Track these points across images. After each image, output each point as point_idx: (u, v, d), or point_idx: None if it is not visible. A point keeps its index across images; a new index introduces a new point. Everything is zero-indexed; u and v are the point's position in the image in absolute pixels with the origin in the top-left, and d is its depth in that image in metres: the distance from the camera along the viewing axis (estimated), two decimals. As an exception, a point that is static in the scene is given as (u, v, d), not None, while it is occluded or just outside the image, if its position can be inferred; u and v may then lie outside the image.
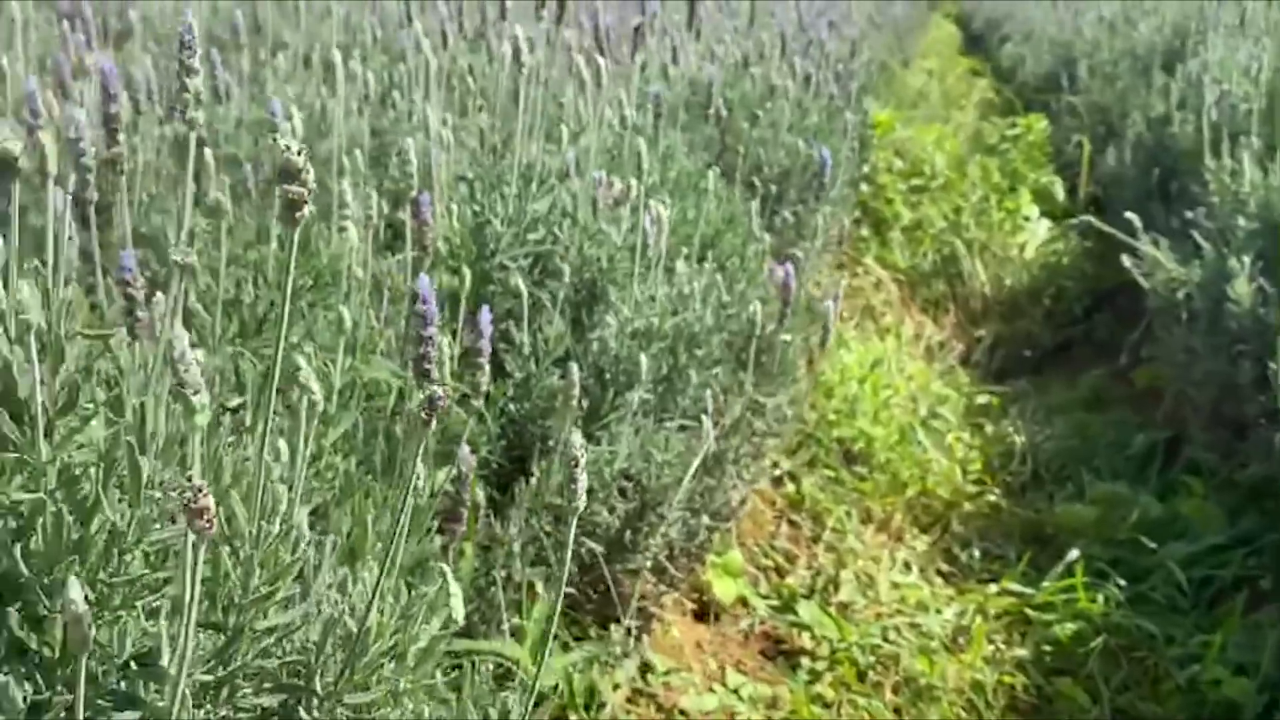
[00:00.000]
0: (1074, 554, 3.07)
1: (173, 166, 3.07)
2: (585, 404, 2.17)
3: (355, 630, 1.06)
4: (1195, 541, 3.06)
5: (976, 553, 3.29)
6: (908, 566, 3.22)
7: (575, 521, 1.09)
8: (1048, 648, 2.84)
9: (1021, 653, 2.82)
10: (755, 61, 4.19)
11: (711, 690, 2.55)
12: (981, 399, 4.22)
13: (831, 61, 4.81)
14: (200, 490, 0.83)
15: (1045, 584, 3.01)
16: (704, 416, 2.25)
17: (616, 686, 2.32)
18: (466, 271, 1.95)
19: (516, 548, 1.90)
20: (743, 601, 2.88)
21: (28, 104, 1.77)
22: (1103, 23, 6.49)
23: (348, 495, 1.50)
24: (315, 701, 1.09)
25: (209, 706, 1.02)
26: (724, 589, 2.79)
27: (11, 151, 1.02)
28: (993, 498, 3.55)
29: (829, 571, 3.07)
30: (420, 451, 1.14)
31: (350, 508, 1.47)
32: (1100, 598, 2.89)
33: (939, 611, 2.98)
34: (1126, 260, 3.65)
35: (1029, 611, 2.96)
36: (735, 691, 2.58)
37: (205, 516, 0.84)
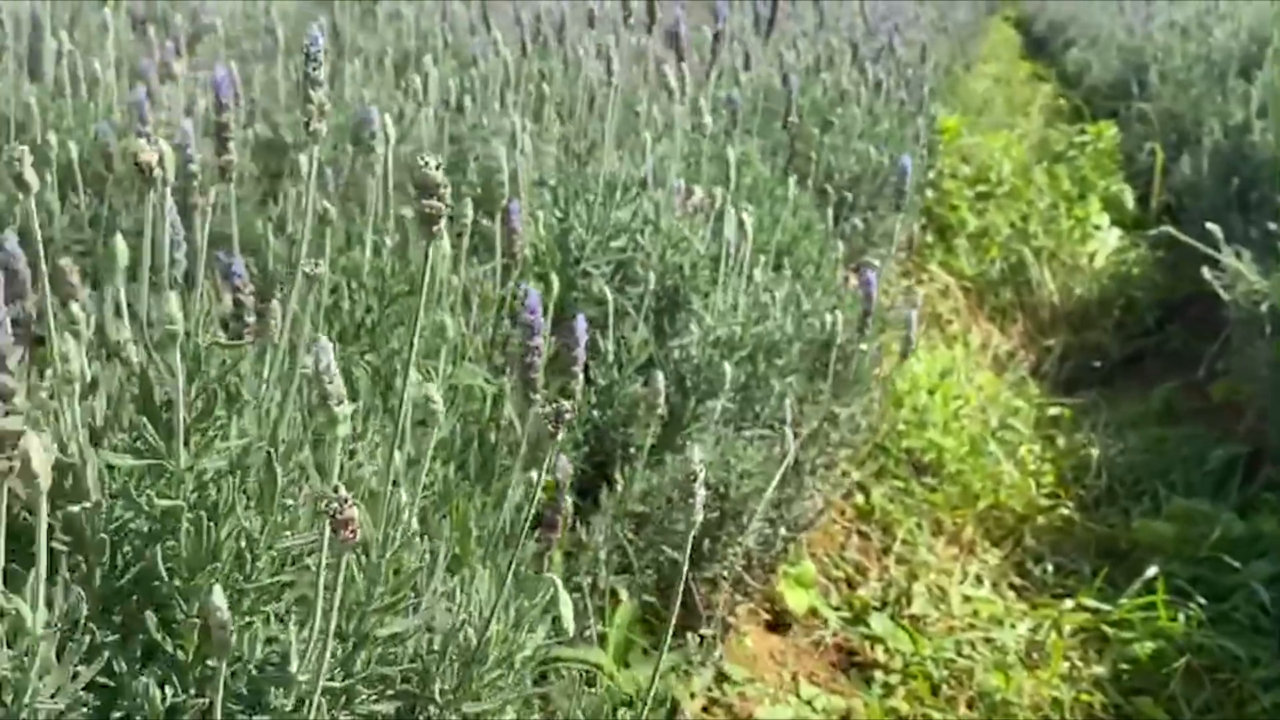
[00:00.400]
0: (1152, 571, 3.01)
1: (255, 170, 3.13)
2: (666, 412, 2.17)
3: (475, 639, 1.07)
4: (1279, 562, 2.99)
5: (1050, 567, 3.24)
6: (980, 580, 3.18)
7: (690, 536, 1.09)
8: (1126, 666, 2.78)
9: (1099, 670, 2.77)
10: (825, 67, 4.17)
11: (785, 701, 2.54)
12: (1052, 410, 4.15)
13: (901, 66, 4.77)
14: (346, 501, 0.84)
15: (1123, 601, 2.96)
16: (786, 426, 2.24)
17: (693, 695, 2.31)
18: (555, 279, 1.96)
19: (602, 555, 1.89)
20: (814, 613, 2.86)
21: (134, 112, 1.82)
22: (1175, 28, 6.37)
23: (446, 501, 1.51)
24: (433, 709, 1.09)
25: (331, 713, 1.03)
26: (796, 600, 2.77)
27: (150, 161, 1.03)
28: (1066, 511, 3.50)
29: (901, 584, 3.04)
30: (520, 461, 1.15)
31: (450, 514, 1.48)
32: (1181, 616, 2.83)
33: (1013, 626, 2.94)
34: (1206, 271, 3.57)
35: (1106, 629, 2.90)
36: (809, 703, 2.56)
37: (350, 526, 0.85)
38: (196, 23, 4.33)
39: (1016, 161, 5.98)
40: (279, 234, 1.77)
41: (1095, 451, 3.68)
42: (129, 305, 1.35)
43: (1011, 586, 3.19)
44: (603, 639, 2.00)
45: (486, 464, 1.71)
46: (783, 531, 2.37)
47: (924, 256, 5.32)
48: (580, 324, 1.62)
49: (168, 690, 0.92)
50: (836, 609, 2.92)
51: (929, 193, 5.46)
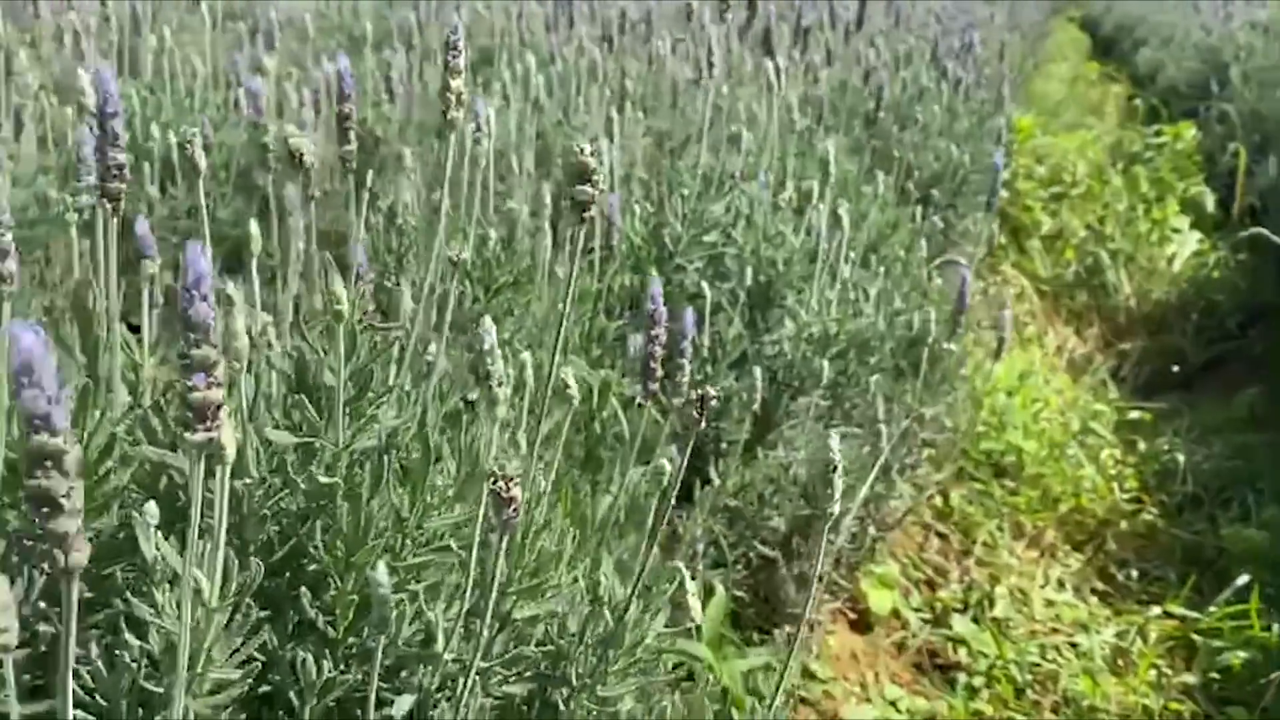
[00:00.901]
0: (1243, 579, 2.94)
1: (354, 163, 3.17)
2: (759, 408, 2.16)
3: (612, 624, 1.07)
4: (1376, 573, 2.91)
5: (1134, 573, 3.18)
6: (1062, 584, 3.13)
7: (827, 527, 1.08)
8: (1216, 675, 2.72)
9: (1189, 679, 2.72)
10: (904, 64, 4.13)
11: (869, 701, 2.52)
12: (1132, 415, 4.07)
13: (979, 64, 4.72)
14: (512, 480, 0.85)
15: (1212, 609, 2.90)
16: (880, 424, 2.22)
17: (780, 692, 2.30)
18: (654, 272, 1.96)
19: (700, 548, 1.90)
20: (895, 613, 2.84)
21: (251, 103, 1.85)
22: (1256, 27, 6.22)
23: (557, 489, 1.52)
24: (563, 692, 1.10)
25: (468, 695, 1.04)
26: (879, 600, 2.75)
27: (302, 147, 1.05)
28: (1149, 517, 3.43)
29: (983, 587, 3.00)
30: (635, 452, 1.15)
31: (560, 501, 1.49)
32: (1275, 627, 2.76)
33: (1098, 632, 2.89)
34: (1298, 275, 3.48)
35: (1194, 637, 2.85)
36: (893, 704, 2.54)
37: (514, 505, 0.86)
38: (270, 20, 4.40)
39: (1091, 163, 5.88)
40: (389, 224, 1.80)
41: (1181, 457, 3.60)
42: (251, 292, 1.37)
43: (1094, 591, 3.14)
44: (696, 632, 2.00)
45: (589, 454, 1.72)
46: (871, 530, 2.35)
47: (997, 258, 5.25)
48: (689, 316, 1.62)
49: (324, 665, 0.93)
50: (917, 610, 2.89)
51: (1003, 193, 5.38)
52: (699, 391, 1.03)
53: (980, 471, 3.50)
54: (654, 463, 1.70)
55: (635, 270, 2.09)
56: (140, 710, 0.86)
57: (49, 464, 0.59)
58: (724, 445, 2.17)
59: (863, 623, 2.75)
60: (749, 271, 2.06)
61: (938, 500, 3.34)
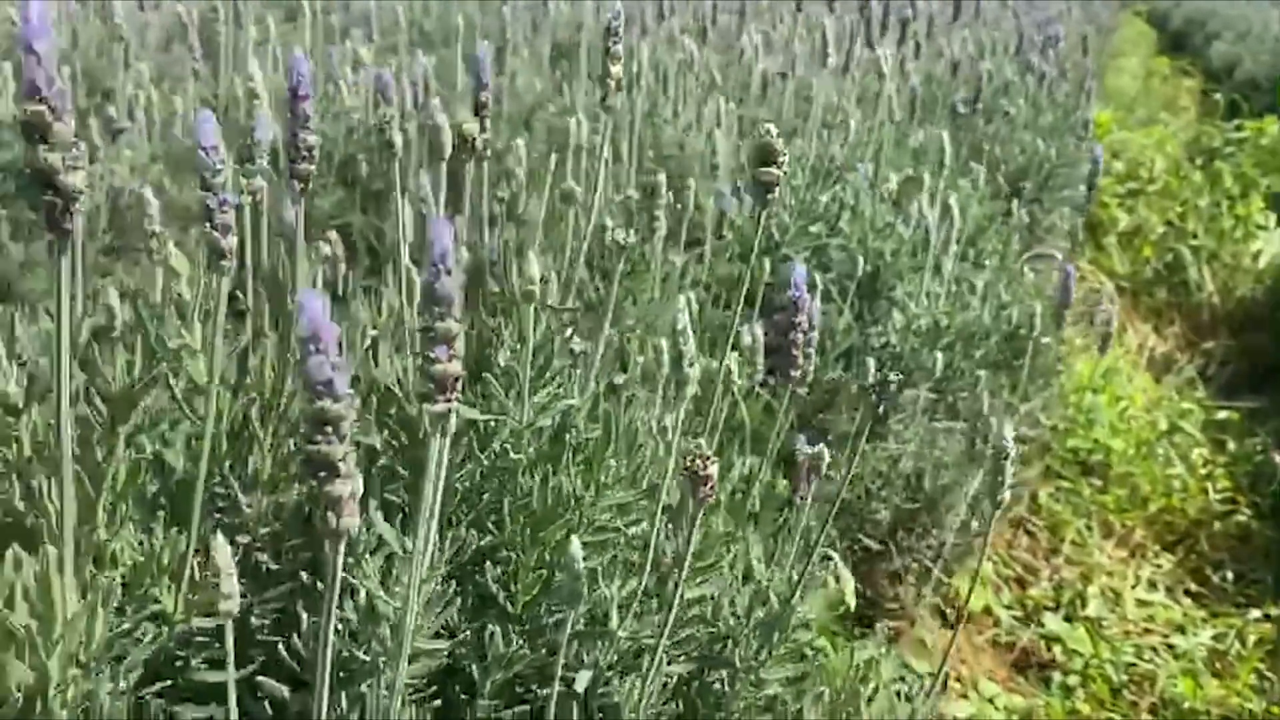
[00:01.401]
0: (1346, 583, 2.88)
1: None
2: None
3: (777, 605, 1.07)
4: None
5: (1229, 575, 3.12)
6: (1153, 585, 3.08)
7: (994, 515, 1.07)
8: (1320, 681, 2.67)
9: (1292, 684, 2.67)
10: (989, 57, 4.08)
11: (965, 697, 2.50)
12: (1220, 414, 4.00)
13: (1060, 58, 4.65)
14: (708, 458, 0.86)
15: (1313, 613, 2.84)
16: (987, 418, 2.20)
17: (879, 686, 2.29)
18: (766, 262, 1.96)
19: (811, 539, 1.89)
20: (986, 610, 2.82)
21: (381, 92, 1.87)
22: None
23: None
24: (725, 673, 1.11)
25: (633, 675, 1.05)
26: (974, 598, 2.72)
27: (473, 131, 1.06)
28: (1243, 518, 3.36)
29: (1074, 585, 2.97)
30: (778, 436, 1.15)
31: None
32: (1381, 631, 2.70)
33: (1195, 634, 2.84)
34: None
35: (1296, 641, 2.79)
36: (990, 700, 2.52)
37: (710, 483, 0.86)
38: (348, 15, 4.47)
39: (1169, 158, 5.77)
40: (510, 214, 1.81)
41: (1278, 457, 3.52)
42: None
43: (1188, 593, 3.08)
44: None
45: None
46: (974, 526, 2.33)
47: (1074, 254, 5.18)
48: (815, 305, 1.62)
49: (514, 638, 0.94)
50: (1008, 607, 2.86)
51: (1081, 188, 5.30)
52: (879, 376, 1.02)
53: (1067, 469, 3.46)
54: (771, 449, 1.71)
55: (743, 260, 2.09)
56: (340, 677, 0.87)
57: (329, 429, 0.61)
58: (831, 438, 2.17)
59: (957, 619, 2.73)
60: (860, 262, 2.05)
61: (1024, 498, 3.30)
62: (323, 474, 0.61)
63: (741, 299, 1.38)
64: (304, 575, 0.98)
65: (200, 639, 0.96)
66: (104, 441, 0.88)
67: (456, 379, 0.72)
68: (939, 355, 2.06)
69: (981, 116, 3.75)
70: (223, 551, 0.78)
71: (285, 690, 0.93)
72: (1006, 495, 1.04)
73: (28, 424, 0.90)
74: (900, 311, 2.13)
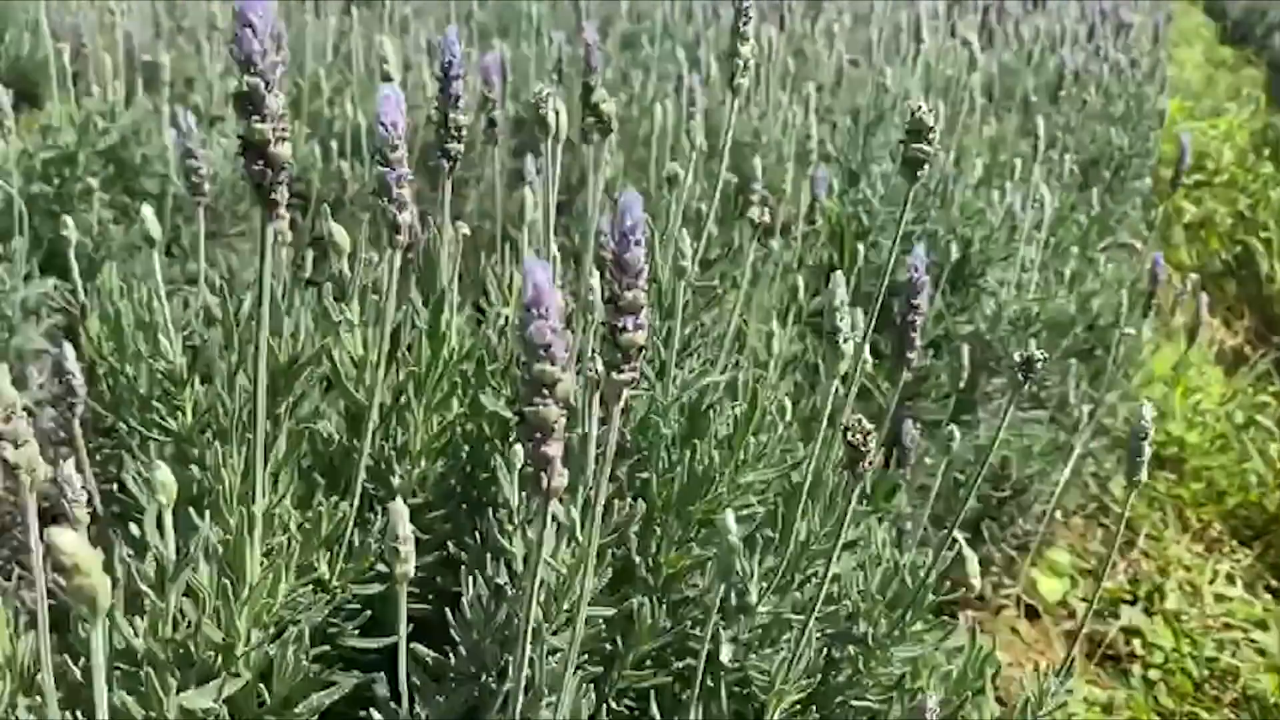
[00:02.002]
0: None
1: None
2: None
3: (910, 583, 1.08)
4: None
5: (1310, 571, 3.07)
6: (1231, 579, 3.04)
7: (1129, 494, 1.07)
8: None
9: (1379, 682, 2.62)
10: (1064, 46, 4.04)
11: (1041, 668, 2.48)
12: (1295, 409, 3.92)
13: (1129, 46, 4.59)
14: (869, 433, 0.86)
15: (1402, 614, 2.79)
16: (1073, 407, 2.19)
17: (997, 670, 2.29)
18: (860, 248, 1.96)
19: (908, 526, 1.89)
20: (1062, 602, 2.80)
21: (485, 77, 1.89)
22: None
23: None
24: (852, 650, 1.11)
25: (767, 649, 1.06)
26: (1050, 588, 2.71)
27: (610, 111, 1.07)
28: (1323, 514, 3.30)
29: (1151, 579, 2.93)
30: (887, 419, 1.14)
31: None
32: None
33: (1276, 630, 2.80)
34: None
35: (1384, 640, 2.74)
36: (1069, 692, 2.50)
37: (869, 458, 0.87)
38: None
39: (1237, 149, 5.67)
40: (610, 200, 1.83)
41: (1359, 453, 3.46)
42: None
43: (1268, 589, 3.04)
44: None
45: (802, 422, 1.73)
46: (1057, 515, 2.31)
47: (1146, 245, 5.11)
48: (927, 288, 1.61)
49: (657, 610, 0.95)
50: (1084, 600, 2.84)
51: (1147, 180, 5.23)
52: (1024, 355, 1.02)
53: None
54: (881, 432, 1.70)
55: (837, 245, 2.09)
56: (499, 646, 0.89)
57: (546, 392, 0.62)
58: (917, 425, 2.16)
59: (1033, 610, 2.71)
60: (953, 249, 2.04)
61: (1095, 489, 3.27)
62: (537, 435, 0.63)
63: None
64: (450, 545, 1.00)
65: (351, 606, 0.98)
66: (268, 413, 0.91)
67: (640, 348, 0.73)
68: (1033, 344, 2.05)
69: (1054, 104, 3.72)
70: (402, 518, 0.80)
71: (436, 655, 0.95)
72: (1143, 476, 1.04)
73: (190, 395, 0.93)
74: (991, 299, 2.12)
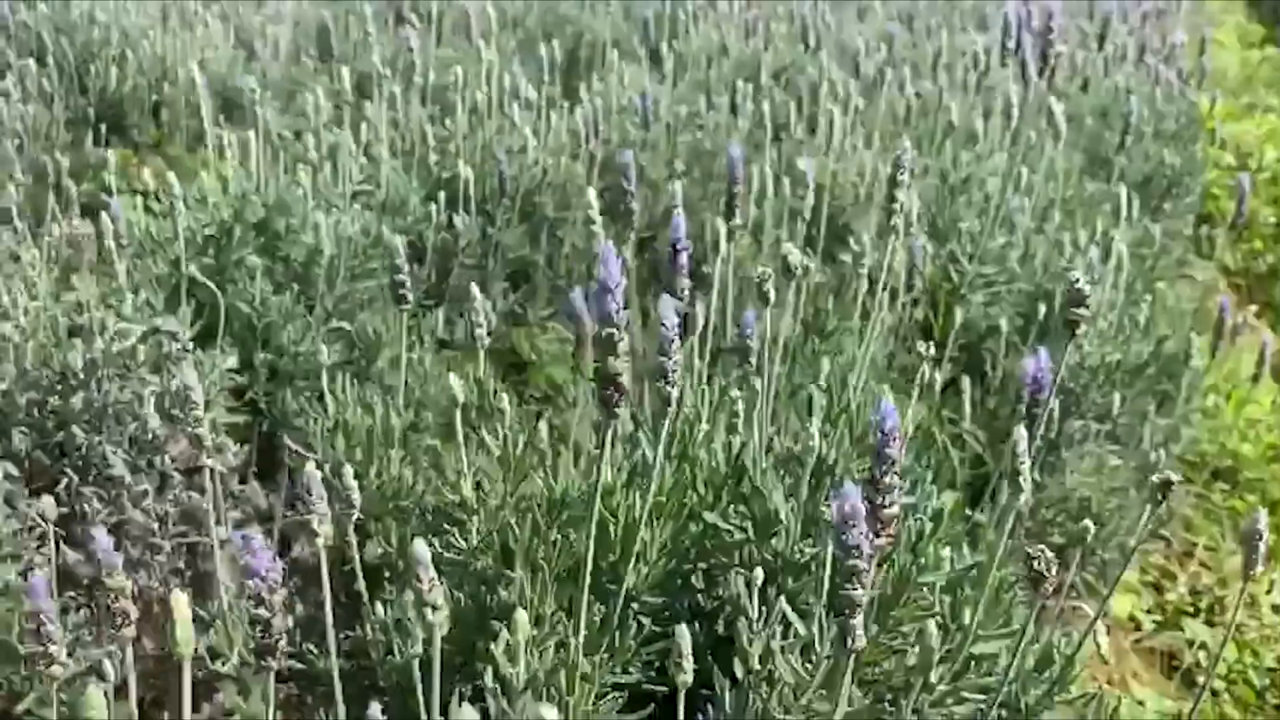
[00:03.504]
0: None
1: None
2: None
3: (1059, 661, 1.27)
4: None
5: (1363, 583, 3.23)
6: (1288, 591, 3.21)
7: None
8: None
9: None
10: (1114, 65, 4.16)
11: (1119, 699, 2.67)
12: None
13: (1173, 58, 4.70)
14: (1052, 563, 1.05)
15: None
16: (1146, 446, 2.36)
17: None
18: (957, 311, 2.13)
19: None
20: (1130, 616, 2.98)
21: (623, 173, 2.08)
22: None
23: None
24: (1006, 714, 1.30)
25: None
26: (1120, 604, 2.89)
27: (737, 225, 1.25)
28: (1377, 526, 3.46)
29: (1212, 591, 3.11)
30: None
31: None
32: None
33: (1333, 641, 2.97)
34: None
35: None
36: (1140, 703, 2.69)
37: (1053, 586, 1.05)
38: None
39: None
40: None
41: None
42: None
43: (1323, 601, 3.21)
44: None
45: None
46: (1130, 543, 2.49)
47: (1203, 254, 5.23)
48: (1045, 366, 1.78)
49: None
50: (1148, 612, 3.02)
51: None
52: (1162, 479, 1.20)
53: (1195, 474, 3.58)
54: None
55: (933, 305, 2.26)
56: None
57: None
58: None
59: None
60: (1041, 307, 2.21)
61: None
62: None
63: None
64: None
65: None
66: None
67: (896, 519, 0.92)
68: (1116, 394, 2.22)
69: (1106, 127, 3.86)
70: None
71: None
72: (1258, 569, 1.21)
73: (477, 523, 1.12)
74: (1076, 350, 2.29)
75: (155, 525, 1.65)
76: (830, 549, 1.00)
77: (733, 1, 4.58)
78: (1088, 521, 1.54)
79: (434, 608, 0.90)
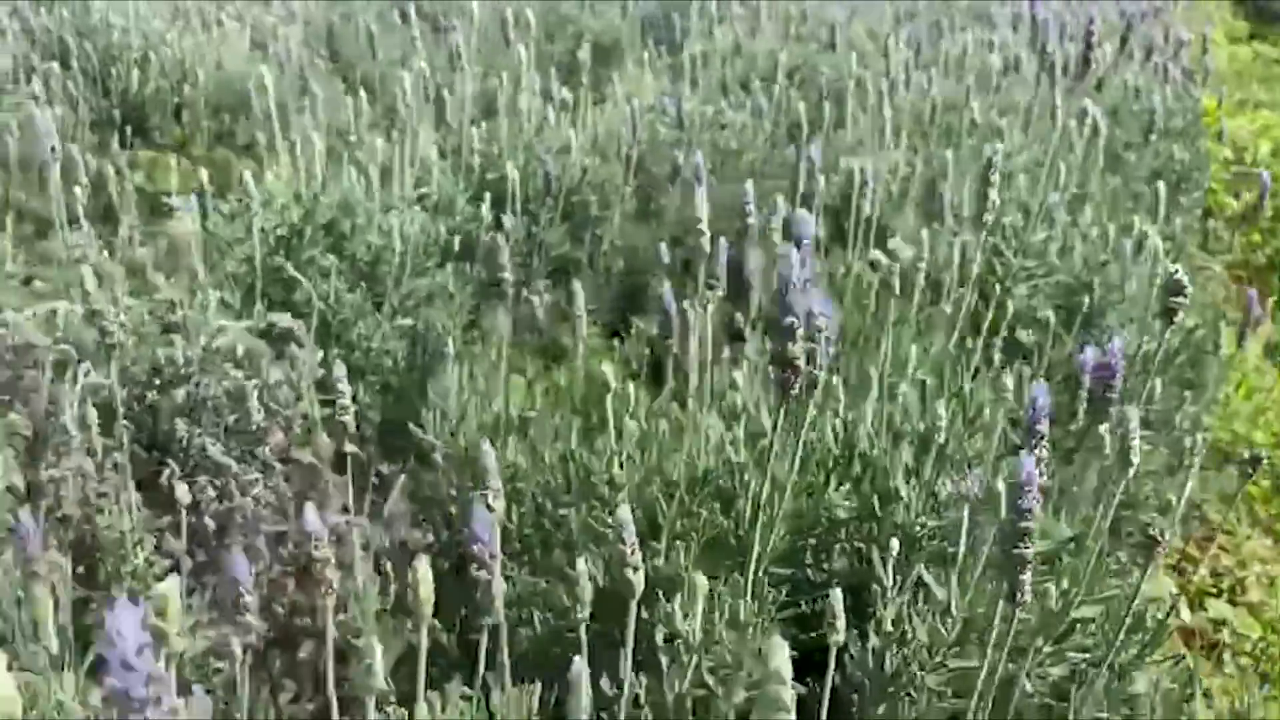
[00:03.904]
0: None
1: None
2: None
3: (1152, 625, 1.36)
4: None
5: (1376, 563, 3.36)
6: (1303, 570, 3.33)
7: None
8: None
9: None
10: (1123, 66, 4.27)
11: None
12: (1348, 404, 4.19)
13: (1176, 57, 4.82)
14: (1164, 534, 1.14)
15: None
16: (1177, 431, 2.46)
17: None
18: (1009, 304, 2.22)
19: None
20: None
21: (661, 107, 2.17)
22: None
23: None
24: (1095, 674, 1.40)
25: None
26: (1150, 585, 2.99)
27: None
28: (1389, 509, 3.59)
29: (1234, 573, 3.22)
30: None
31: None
32: None
33: (1352, 619, 3.09)
34: None
35: None
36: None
37: (1163, 550, 1.14)
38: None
39: (1276, 141, 5.93)
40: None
41: None
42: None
43: (1338, 578, 3.33)
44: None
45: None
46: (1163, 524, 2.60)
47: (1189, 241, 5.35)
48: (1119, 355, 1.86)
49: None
50: (1173, 593, 3.13)
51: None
52: (1252, 454, 1.29)
53: (1209, 459, 3.70)
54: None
55: (982, 296, 2.36)
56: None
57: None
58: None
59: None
60: (1086, 300, 2.31)
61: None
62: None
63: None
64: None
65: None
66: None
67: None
68: (1158, 383, 2.32)
69: (1118, 126, 3.97)
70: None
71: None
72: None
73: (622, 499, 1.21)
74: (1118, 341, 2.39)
75: (265, 512, 1.73)
76: (965, 520, 1.09)
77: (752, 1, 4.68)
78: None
79: (634, 568, 0.99)
